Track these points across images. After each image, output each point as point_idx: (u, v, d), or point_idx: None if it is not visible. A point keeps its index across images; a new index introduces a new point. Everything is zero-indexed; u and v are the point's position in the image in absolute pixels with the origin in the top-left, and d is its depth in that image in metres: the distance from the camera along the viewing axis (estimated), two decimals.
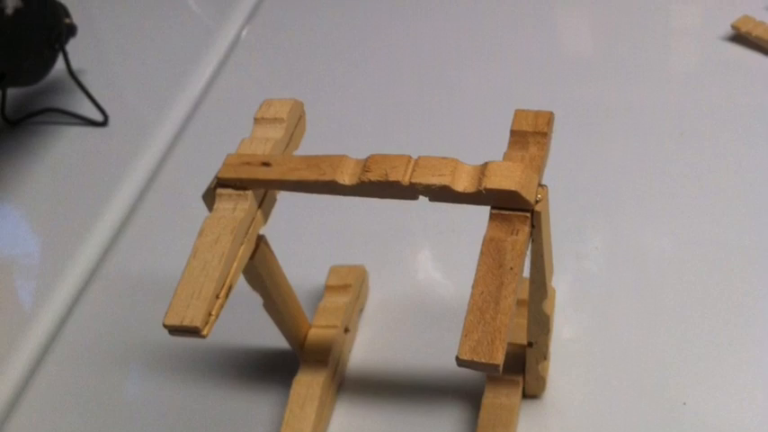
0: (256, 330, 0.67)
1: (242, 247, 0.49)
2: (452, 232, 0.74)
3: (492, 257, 0.44)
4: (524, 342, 0.59)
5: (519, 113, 0.50)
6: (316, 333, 0.66)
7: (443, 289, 0.72)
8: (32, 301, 0.77)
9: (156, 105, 0.95)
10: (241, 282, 0.51)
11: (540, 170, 0.48)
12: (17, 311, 0.77)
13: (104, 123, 0.94)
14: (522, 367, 0.61)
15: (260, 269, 0.55)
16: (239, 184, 0.50)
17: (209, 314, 0.45)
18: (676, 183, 0.76)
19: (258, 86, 0.97)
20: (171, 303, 0.45)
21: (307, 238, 0.76)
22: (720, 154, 0.78)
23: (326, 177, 0.48)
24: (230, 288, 0.47)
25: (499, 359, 0.40)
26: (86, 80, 0.96)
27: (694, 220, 0.73)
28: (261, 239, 0.54)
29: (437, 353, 0.66)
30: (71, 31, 0.93)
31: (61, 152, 0.92)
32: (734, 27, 0.90)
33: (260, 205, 0.52)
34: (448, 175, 0.46)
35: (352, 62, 0.98)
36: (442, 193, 0.46)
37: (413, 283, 0.73)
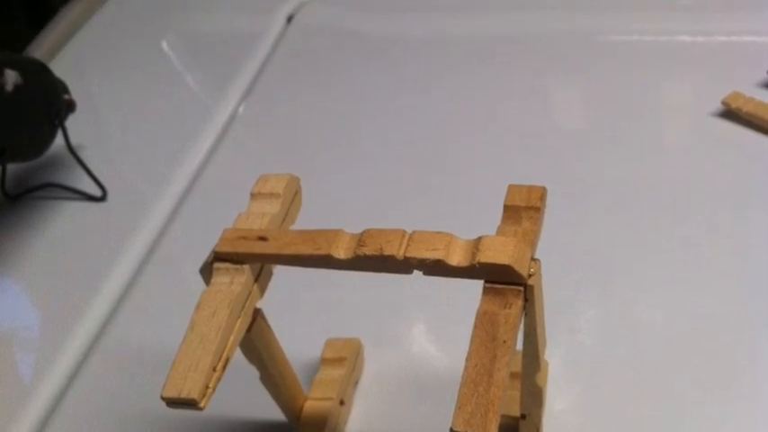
0: (253, 402, 0.67)
1: (239, 321, 0.50)
2: (446, 306, 0.74)
3: (485, 331, 0.44)
4: (517, 414, 0.59)
5: (512, 188, 0.51)
6: (312, 405, 0.66)
7: (438, 362, 0.72)
8: (32, 373, 0.77)
9: (154, 180, 0.96)
10: (238, 355, 0.51)
11: (533, 244, 0.48)
12: (17, 384, 0.77)
13: (103, 198, 0.95)
14: None
15: (257, 342, 0.56)
16: (236, 259, 0.51)
17: (207, 387, 0.46)
18: (669, 256, 0.77)
19: (255, 162, 0.97)
20: (169, 376, 0.46)
21: (302, 311, 0.76)
22: (713, 228, 0.79)
23: (322, 252, 0.49)
24: (227, 361, 0.48)
25: (492, 431, 0.41)
26: (85, 155, 0.97)
27: (687, 294, 0.73)
28: (257, 313, 0.55)
29: (431, 425, 0.66)
30: (70, 107, 0.94)
31: (60, 226, 0.93)
32: (724, 103, 0.90)
33: (256, 279, 0.52)
34: (442, 249, 0.47)
35: (347, 137, 0.99)
36: (437, 268, 0.47)
37: (407, 355, 0.73)
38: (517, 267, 0.45)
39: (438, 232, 0.47)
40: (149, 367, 0.74)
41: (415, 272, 0.48)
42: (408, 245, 0.47)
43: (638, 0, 1.12)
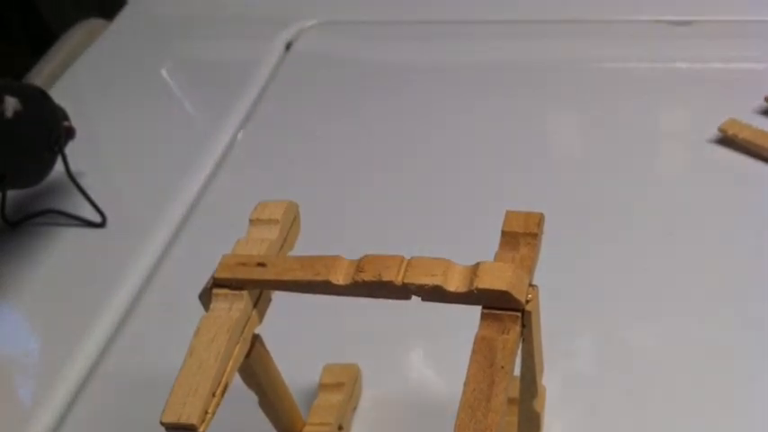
0: (251, 427, 0.67)
1: (237, 347, 0.50)
2: (444, 331, 0.74)
3: (483, 356, 0.45)
4: None
5: (510, 214, 0.51)
6: (310, 431, 0.66)
7: (436, 387, 0.72)
8: (32, 399, 0.77)
9: (154, 207, 0.96)
10: (237, 380, 0.51)
11: (530, 270, 0.48)
12: (16, 410, 0.77)
13: (102, 225, 0.95)
14: None
15: (255, 368, 0.56)
16: (235, 285, 0.51)
17: (206, 412, 0.46)
18: (665, 282, 0.77)
19: (253, 188, 0.97)
20: (168, 401, 0.46)
21: (301, 337, 0.76)
22: (708, 254, 0.79)
23: (321, 278, 0.49)
24: (226, 386, 0.48)
25: None
26: (85, 182, 0.97)
27: (684, 320, 0.73)
28: (256, 338, 0.55)
29: None
30: (70, 133, 0.94)
31: (60, 253, 0.93)
32: (721, 130, 0.91)
33: (255, 305, 0.52)
34: (440, 275, 0.47)
35: (345, 163, 0.99)
36: (435, 294, 0.47)
37: (405, 381, 0.73)
38: (515, 293, 0.45)
39: (436, 258, 0.48)
40: (149, 392, 0.74)
41: (414, 297, 0.48)
42: (407, 271, 0.47)
43: (635, 28, 1.12)
